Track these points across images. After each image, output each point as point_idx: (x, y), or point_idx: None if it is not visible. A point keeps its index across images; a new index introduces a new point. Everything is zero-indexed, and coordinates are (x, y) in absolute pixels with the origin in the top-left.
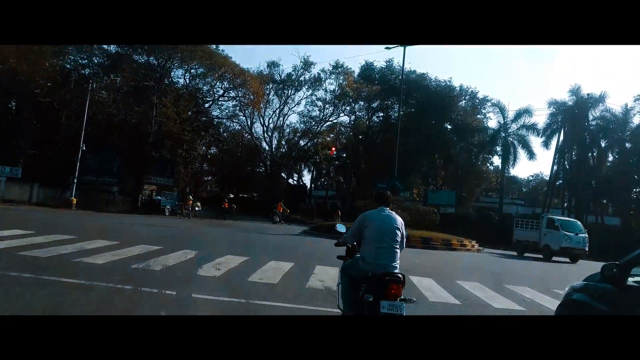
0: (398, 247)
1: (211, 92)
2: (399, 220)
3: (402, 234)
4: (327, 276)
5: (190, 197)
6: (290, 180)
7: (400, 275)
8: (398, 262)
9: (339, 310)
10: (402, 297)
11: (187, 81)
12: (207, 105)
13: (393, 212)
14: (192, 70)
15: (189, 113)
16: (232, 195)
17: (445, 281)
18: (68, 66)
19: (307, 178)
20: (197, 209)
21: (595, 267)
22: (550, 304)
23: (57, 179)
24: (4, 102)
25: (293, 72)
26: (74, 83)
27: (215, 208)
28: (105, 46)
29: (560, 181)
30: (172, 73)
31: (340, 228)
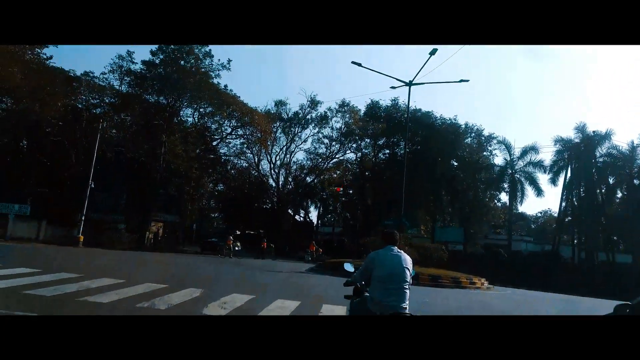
0: (407, 287)
1: (219, 130)
2: (408, 260)
3: (410, 274)
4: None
5: (231, 237)
6: (297, 217)
7: (409, 314)
8: (407, 302)
9: None
10: None
11: (196, 119)
12: (215, 143)
13: (402, 252)
14: (201, 109)
15: (197, 151)
16: (238, 232)
17: None
18: (80, 105)
19: (313, 214)
20: (237, 248)
21: (608, 305)
22: None
23: (65, 216)
24: (16, 141)
25: (300, 111)
26: (85, 122)
27: (253, 248)
28: (116, 86)
29: (569, 218)
30: (181, 112)
31: (348, 267)
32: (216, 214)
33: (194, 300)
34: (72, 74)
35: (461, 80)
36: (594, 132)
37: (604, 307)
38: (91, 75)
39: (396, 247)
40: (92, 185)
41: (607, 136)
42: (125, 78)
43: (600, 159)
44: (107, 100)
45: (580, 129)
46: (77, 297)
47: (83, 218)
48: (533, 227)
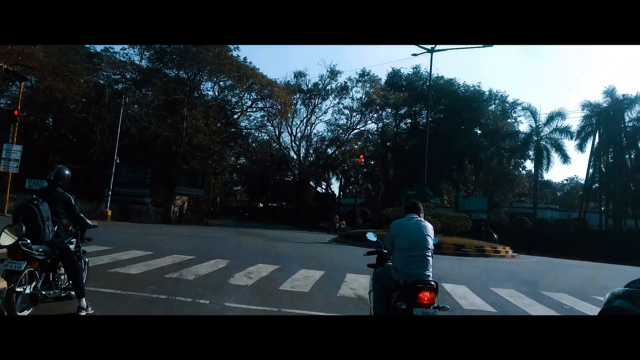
0: (430, 254)
1: (239, 104)
2: (429, 227)
3: (432, 241)
4: (358, 284)
5: (337, 216)
6: (319, 189)
7: (433, 282)
8: (431, 269)
9: None
10: (435, 304)
11: (216, 93)
12: (235, 116)
13: (423, 220)
14: (221, 83)
15: (218, 124)
16: (261, 205)
17: (479, 288)
18: (102, 82)
19: (335, 186)
20: (342, 226)
21: (636, 272)
22: (589, 311)
23: (92, 191)
24: (42, 119)
25: (320, 82)
26: (108, 98)
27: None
28: (136, 61)
29: (597, 185)
30: (201, 86)
31: (371, 236)
32: (239, 187)
33: (220, 271)
34: (92, 50)
35: (485, 45)
36: (623, 95)
37: (630, 274)
38: (111, 50)
39: (417, 216)
40: (118, 161)
41: (637, 99)
42: (145, 53)
43: (630, 124)
44: (128, 76)
45: (609, 92)
46: (109, 268)
47: (110, 193)
48: (559, 194)
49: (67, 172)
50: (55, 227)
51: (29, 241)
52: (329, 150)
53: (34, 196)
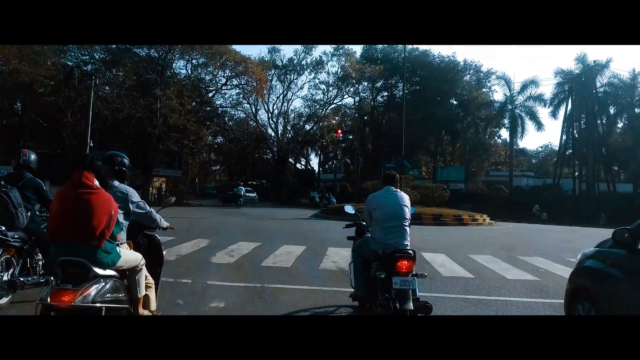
0: (407, 224)
1: (214, 82)
2: (405, 197)
3: (409, 211)
4: (339, 257)
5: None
6: (298, 165)
7: (411, 251)
8: (408, 239)
9: (352, 289)
10: (413, 272)
11: (189, 72)
12: (210, 94)
13: (399, 190)
14: (194, 61)
15: (193, 104)
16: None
17: (458, 256)
18: (70, 63)
19: (314, 162)
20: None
21: (608, 234)
22: (563, 272)
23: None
24: (10, 104)
25: (294, 57)
26: (77, 80)
27: None
28: None
29: (570, 150)
30: (173, 64)
31: (349, 209)
32: (217, 167)
33: (202, 250)
34: None
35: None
36: (594, 61)
37: (602, 235)
38: None
39: (393, 187)
40: (91, 144)
41: (607, 65)
42: None
43: (601, 89)
44: (97, 57)
45: (581, 59)
46: None
47: None
48: (534, 162)
49: (34, 156)
50: (29, 213)
51: (3, 228)
52: (307, 127)
53: (2, 182)
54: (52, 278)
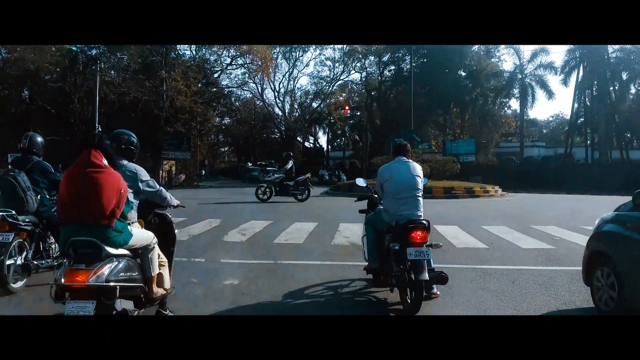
0: (420, 195)
1: (219, 62)
2: (418, 167)
3: (422, 181)
4: (351, 232)
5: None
6: (307, 144)
7: (425, 221)
8: (422, 209)
9: (365, 263)
10: (428, 243)
11: (194, 52)
12: (215, 75)
13: (411, 161)
14: None
15: (199, 85)
16: (250, 164)
17: (471, 227)
18: (74, 49)
19: (323, 140)
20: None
21: (623, 201)
22: (579, 240)
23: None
24: (17, 92)
25: None
26: (82, 65)
27: None
28: None
29: (582, 119)
30: (177, 46)
31: (360, 182)
32: (226, 148)
33: (214, 230)
34: None
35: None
36: None
37: (617, 203)
38: None
39: (405, 157)
40: (99, 129)
41: None
42: None
43: (613, 55)
44: None
45: None
46: None
47: None
48: (545, 132)
49: (39, 139)
50: (39, 196)
51: (13, 212)
52: (314, 104)
53: (10, 167)
54: (64, 259)
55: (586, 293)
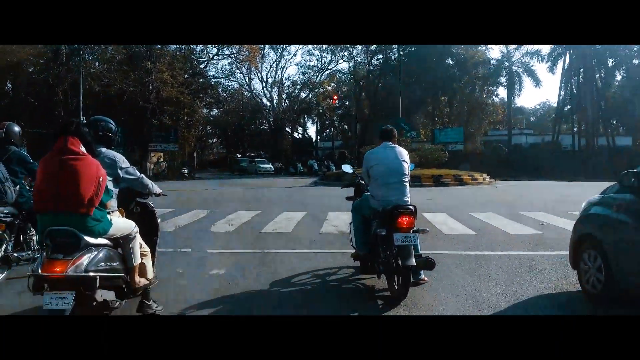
0: (406, 180)
1: (205, 52)
2: (404, 152)
3: (408, 166)
4: (339, 221)
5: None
6: (295, 134)
7: (411, 206)
8: (409, 194)
9: (353, 250)
10: (415, 228)
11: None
12: (202, 65)
13: (397, 146)
14: None
15: (185, 76)
16: (239, 155)
17: (459, 214)
18: None
19: (311, 130)
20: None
21: (603, 187)
22: (566, 225)
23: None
24: (0, 85)
25: None
26: (65, 57)
27: None
28: None
29: (569, 106)
30: None
31: (347, 168)
32: (214, 140)
33: (201, 220)
34: None
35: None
36: None
37: (601, 188)
38: None
39: (391, 142)
40: (85, 121)
41: None
42: None
43: None
44: None
45: None
46: None
47: None
48: (532, 120)
49: (16, 128)
50: (17, 187)
51: None
52: (302, 94)
53: None
54: (42, 249)
55: (573, 277)
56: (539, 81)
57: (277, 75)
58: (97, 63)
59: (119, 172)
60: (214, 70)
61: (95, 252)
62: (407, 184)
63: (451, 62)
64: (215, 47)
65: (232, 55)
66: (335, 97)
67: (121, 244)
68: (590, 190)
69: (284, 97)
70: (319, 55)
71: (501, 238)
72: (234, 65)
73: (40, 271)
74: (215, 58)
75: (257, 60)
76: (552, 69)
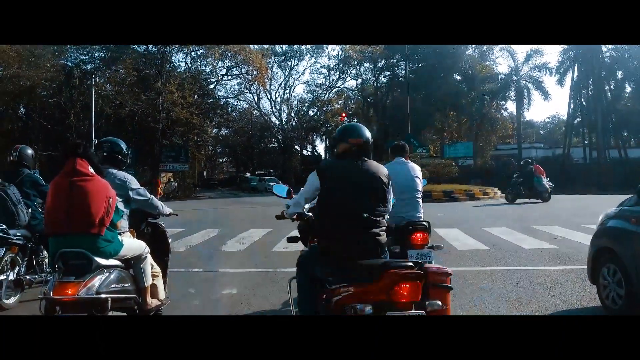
0: (419, 196)
1: (214, 73)
2: (417, 168)
3: (421, 182)
4: None
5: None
6: (304, 152)
7: (425, 222)
8: (422, 211)
9: None
10: (429, 244)
11: (189, 64)
12: (211, 86)
13: (409, 161)
14: (193, 53)
15: (195, 96)
16: (249, 174)
17: (472, 230)
18: (69, 64)
19: (320, 148)
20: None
21: (617, 200)
22: (582, 239)
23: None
24: (13, 109)
25: None
26: (78, 80)
27: None
28: None
29: (579, 119)
30: (172, 58)
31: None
32: (224, 159)
33: (212, 240)
34: None
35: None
36: None
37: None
38: None
39: (404, 158)
40: (96, 143)
41: None
42: None
43: (607, 54)
44: (96, 55)
45: None
46: None
47: None
48: (542, 133)
49: (29, 151)
50: (30, 210)
51: (4, 226)
52: (311, 112)
53: (0, 180)
54: (54, 272)
55: (592, 291)
56: (547, 95)
57: (285, 94)
58: (108, 85)
59: (130, 193)
60: (223, 90)
61: (107, 274)
62: (420, 200)
63: (459, 78)
64: (224, 68)
65: (241, 75)
66: (344, 115)
67: (132, 264)
68: (605, 203)
69: (293, 115)
70: (327, 74)
71: (515, 253)
72: (243, 85)
73: (52, 294)
74: (224, 78)
75: (266, 79)
76: (560, 82)
